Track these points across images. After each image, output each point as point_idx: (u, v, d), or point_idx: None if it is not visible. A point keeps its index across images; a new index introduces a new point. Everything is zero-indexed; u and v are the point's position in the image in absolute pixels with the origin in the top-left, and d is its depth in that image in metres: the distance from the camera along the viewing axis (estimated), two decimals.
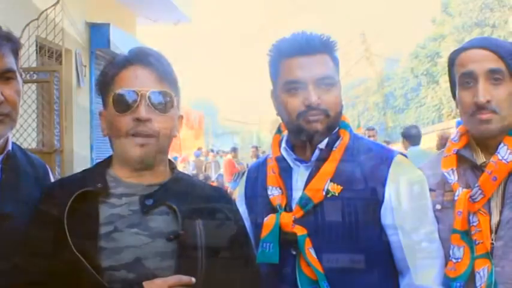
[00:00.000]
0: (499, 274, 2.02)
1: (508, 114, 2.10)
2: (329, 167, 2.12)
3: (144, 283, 1.78)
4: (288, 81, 2.15)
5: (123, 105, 1.90)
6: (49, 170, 2.32)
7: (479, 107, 2.09)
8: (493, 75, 2.08)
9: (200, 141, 24.73)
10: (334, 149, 2.15)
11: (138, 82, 1.92)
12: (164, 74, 1.96)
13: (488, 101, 2.07)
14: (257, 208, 2.28)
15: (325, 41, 2.17)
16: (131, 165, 1.94)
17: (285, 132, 2.32)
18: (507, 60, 2.08)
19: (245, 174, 2.50)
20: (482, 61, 2.09)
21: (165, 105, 1.93)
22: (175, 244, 1.85)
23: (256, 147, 19.82)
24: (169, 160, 2.08)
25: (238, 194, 2.45)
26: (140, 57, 1.96)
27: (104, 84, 1.99)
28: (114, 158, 2.01)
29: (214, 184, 14.33)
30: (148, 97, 1.90)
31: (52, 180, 2.28)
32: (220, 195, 2.12)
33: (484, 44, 2.12)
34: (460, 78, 2.15)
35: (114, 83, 1.95)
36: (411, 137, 9.32)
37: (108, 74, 1.97)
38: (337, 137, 2.18)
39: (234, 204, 2.16)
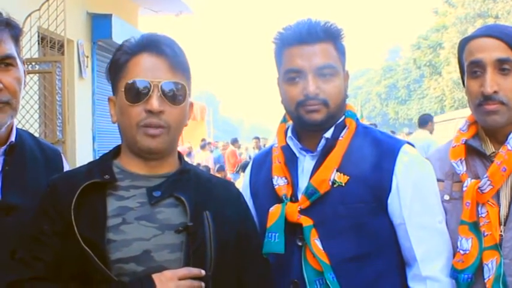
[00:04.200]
0: (507, 266, 2.00)
1: None
2: (335, 157, 2.10)
3: (153, 275, 1.76)
4: (288, 70, 2.14)
5: (134, 95, 1.86)
6: (62, 156, 2.29)
7: (486, 98, 2.06)
8: (502, 65, 2.05)
9: (202, 133, 24.72)
10: (340, 138, 2.13)
11: (150, 71, 1.87)
12: (177, 62, 1.91)
13: (495, 92, 2.04)
14: (262, 198, 2.26)
15: (328, 29, 2.14)
16: (141, 155, 1.91)
17: (290, 122, 2.29)
18: None
19: (250, 164, 2.47)
20: (491, 50, 2.06)
21: (178, 97, 1.89)
22: (184, 236, 1.82)
23: (258, 138, 19.82)
24: (178, 151, 2.05)
25: (243, 184, 2.43)
26: (153, 44, 1.90)
27: (115, 71, 1.93)
28: (123, 147, 1.98)
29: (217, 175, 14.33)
30: (161, 88, 1.85)
31: (66, 165, 2.25)
32: (229, 188, 2.10)
33: (493, 33, 2.08)
34: (468, 67, 2.13)
35: (125, 70, 1.90)
36: None
37: (120, 60, 1.92)
38: (344, 126, 2.16)
39: (242, 196, 2.14)
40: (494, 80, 2.05)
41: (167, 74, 1.88)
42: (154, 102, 1.83)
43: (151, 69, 1.87)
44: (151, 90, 1.84)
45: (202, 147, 20.47)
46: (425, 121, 10.94)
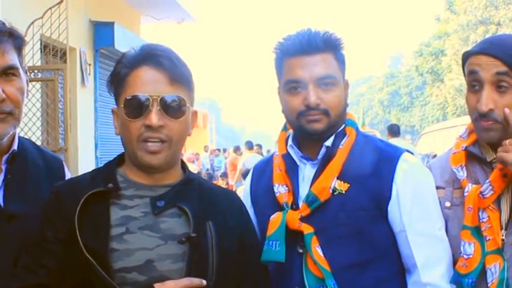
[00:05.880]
0: (509, 269, 2.01)
1: None
2: (336, 165, 2.11)
3: (155, 285, 1.76)
4: (288, 80, 2.15)
5: (134, 111, 1.85)
6: (64, 164, 2.30)
7: (481, 115, 2.07)
8: (499, 83, 2.05)
9: (205, 139, 24.75)
10: (340, 146, 2.14)
11: (150, 85, 1.86)
12: (177, 74, 1.89)
13: (491, 110, 2.05)
14: (263, 206, 2.27)
15: (328, 39, 2.15)
16: (142, 169, 1.92)
17: (291, 130, 2.30)
18: None
19: (250, 172, 2.48)
20: (489, 68, 2.05)
21: (178, 110, 1.88)
22: (186, 246, 1.83)
23: (260, 146, 19.82)
24: (181, 160, 2.05)
25: (244, 192, 2.44)
26: (151, 57, 1.89)
27: (116, 84, 1.93)
28: (126, 157, 1.98)
29: (219, 182, 14.34)
30: (161, 102, 1.85)
31: (67, 173, 2.26)
32: (232, 198, 2.10)
33: (491, 51, 2.06)
34: (468, 80, 2.14)
35: (125, 84, 1.90)
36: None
37: (120, 74, 1.91)
38: (344, 135, 2.17)
39: (244, 206, 2.14)
40: (490, 97, 2.05)
41: (167, 87, 1.87)
42: (154, 117, 1.83)
43: (150, 82, 1.87)
44: (150, 105, 1.84)
45: (236, 150, 20.59)
46: (398, 131, 12.52)
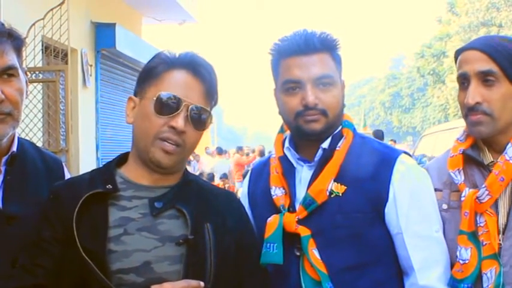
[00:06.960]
0: (506, 274, 2.00)
1: (503, 115, 2.08)
2: (332, 167, 2.10)
3: (152, 287, 1.76)
4: (286, 80, 2.14)
5: (163, 107, 1.87)
6: (64, 165, 2.30)
7: (470, 109, 2.09)
8: (485, 77, 2.07)
9: (206, 141, 24.74)
10: (337, 148, 2.13)
11: (184, 89, 1.90)
12: (211, 89, 1.95)
13: (478, 103, 2.07)
14: (260, 208, 2.26)
15: (325, 40, 2.15)
16: (148, 165, 1.93)
17: (288, 132, 2.30)
18: (500, 62, 2.05)
19: (248, 174, 2.48)
20: (474, 62, 2.09)
21: (202, 123, 1.93)
22: (184, 248, 1.83)
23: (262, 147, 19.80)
24: None
25: (241, 194, 2.44)
26: (193, 64, 1.93)
27: (148, 76, 1.95)
28: (131, 155, 2.00)
29: (220, 183, 14.33)
30: (191, 110, 1.89)
31: (67, 175, 2.27)
32: (230, 199, 2.10)
33: (477, 45, 2.11)
34: (458, 79, 2.17)
35: (159, 79, 1.92)
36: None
37: (156, 68, 1.93)
38: (341, 136, 2.17)
39: (243, 208, 2.15)
40: (476, 91, 2.07)
41: (199, 98, 1.92)
42: (180, 121, 1.86)
43: (185, 87, 1.90)
44: (180, 109, 1.87)
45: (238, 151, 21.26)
46: (382, 136, 13.82)
